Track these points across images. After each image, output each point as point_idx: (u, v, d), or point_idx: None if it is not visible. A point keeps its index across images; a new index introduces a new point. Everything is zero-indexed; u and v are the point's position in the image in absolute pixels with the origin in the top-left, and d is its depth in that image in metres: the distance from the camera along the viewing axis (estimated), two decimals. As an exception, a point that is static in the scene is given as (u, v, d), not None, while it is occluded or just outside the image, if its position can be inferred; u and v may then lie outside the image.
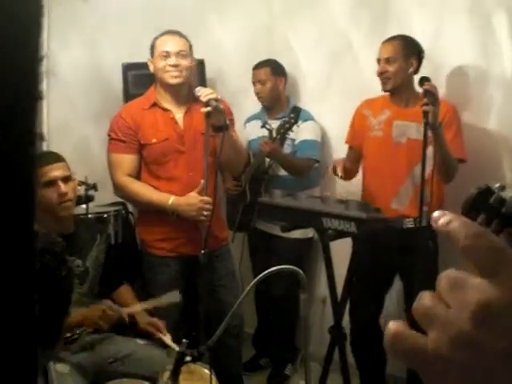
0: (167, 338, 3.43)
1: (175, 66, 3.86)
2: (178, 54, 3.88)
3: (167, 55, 3.87)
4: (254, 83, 4.89)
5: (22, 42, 0.56)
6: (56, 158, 3.37)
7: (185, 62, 3.90)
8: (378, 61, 4.04)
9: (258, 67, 4.88)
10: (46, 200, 3.25)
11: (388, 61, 3.99)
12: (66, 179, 3.35)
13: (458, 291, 0.54)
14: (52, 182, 3.29)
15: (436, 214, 0.59)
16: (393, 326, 0.57)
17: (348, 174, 4.18)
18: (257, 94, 4.88)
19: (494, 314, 0.52)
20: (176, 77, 3.88)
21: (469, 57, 4.23)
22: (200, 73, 4.97)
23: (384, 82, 4.03)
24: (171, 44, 3.90)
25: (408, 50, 4.01)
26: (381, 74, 4.02)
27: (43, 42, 0.58)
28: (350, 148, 4.38)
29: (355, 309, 4.17)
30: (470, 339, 0.53)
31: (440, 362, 0.54)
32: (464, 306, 0.53)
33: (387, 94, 4.14)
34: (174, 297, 3.50)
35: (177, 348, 3.02)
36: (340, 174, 3.98)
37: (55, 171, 3.32)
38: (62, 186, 3.31)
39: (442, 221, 0.58)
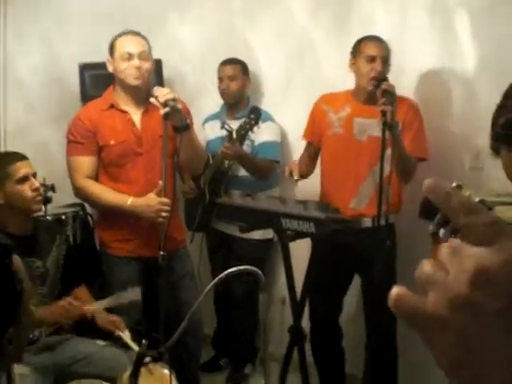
0: (126, 336, 3.42)
1: (138, 67, 3.81)
2: (141, 55, 3.83)
3: (130, 57, 3.82)
4: (220, 79, 4.84)
5: None
6: (22, 156, 3.47)
7: (146, 64, 3.86)
8: (372, 58, 3.87)
9: (228, 63, 4.83)
10: (21, 195, 3.37)
11: (385, 60, 3.90)
12: (35, 176, 3.47)
13: (457, 257, 0.58)
14: (25, 178, 3.39)
15: (429, 182, 0.63)
16: (395, 290, 0.61)
17: (304, 172, 4.16)
18: (223, 89, 4.82)
19: (490, 277, 0.56)
20: (138, 78, 3.83)
21: (430, 56, 4.24)
22: (157, 73, 4.93)
23: (373, 83, 3.81)
24: (134, 45, 3.85)
25: (390, 52, 3.96)
26: (377, 74, 3.84)
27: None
28: (309, 144, 4.32)
29: (315, 309, 4.18)
30: (467, 300, 0.56)
31: (438, 322, 0.58)
32: (462, 270, 0.57)
33: (349, 89, 4.08)
34: (135, 294, 3.49)
35: (136, 347, 3.03)
36: (296, 177, 3.97)
37: (26, 168, 3.43)
38: (35, 182, 3.42)
39: (439, 192, 0.63)
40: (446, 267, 0.59)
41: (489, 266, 0.56)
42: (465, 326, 0.57)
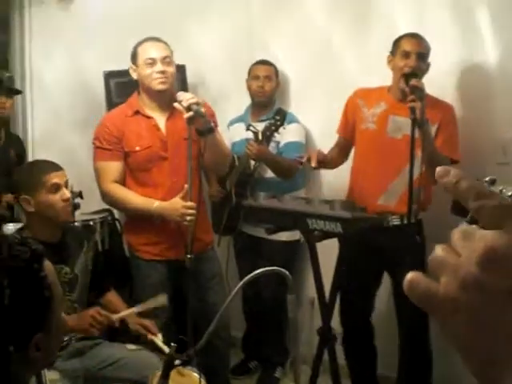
0: (158, 339, 3.44)
1: (162, 72, 3.85)
2: (164, 60, 3.87)
3: (153, 62, 3.86)
4: (256, 77, 4.84)
5: None
6: (57, 166, 3.49)
7: (170, 69, 3.90)
8: (407, 53, 3.83)
9: (264, 63, 4.87)
10: (52, 204, 3.38)
11: (422, 57, 3.83)
12: (67, 186, 3.49)
13: (468, 241, 0.60)
14: (57, 188, 3.40)
15: (440, 169, 0.65)
16: (409, 274, 0.63)
17: (328, 163, 4.10)
18: (259, 87, 4.82)
19: (499, 258, 0.57)
20: (163, 83, 3.86)
21: (451, 52, 4.20)
22: (181, 78, 4.97)
23: (402, 79, 3.78)
24: (156, 50, 3.89)
25: (428, 50, 3.91)
26: (410, 70, 3.77)
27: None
28: (340, 137, 4.28)
29: (346, 309, 4.18)
30: (477, 281, 0.58)
31: (450, 304, 0.60)
32: (472, 252, 0.59)
33: (384, 85, 4.04)
34: (161, 300, 3.52)
35: (167, 350, 3.03)
36: (313, 165, 3.92)
37: (59, 177, 3.44)
38: (66, 192, 3.44)
39: (449, 179, 0.64)
40: (458, 251, 0.61)
41: (497, 246, 0.57)
42: (475, 306, 0.58)
